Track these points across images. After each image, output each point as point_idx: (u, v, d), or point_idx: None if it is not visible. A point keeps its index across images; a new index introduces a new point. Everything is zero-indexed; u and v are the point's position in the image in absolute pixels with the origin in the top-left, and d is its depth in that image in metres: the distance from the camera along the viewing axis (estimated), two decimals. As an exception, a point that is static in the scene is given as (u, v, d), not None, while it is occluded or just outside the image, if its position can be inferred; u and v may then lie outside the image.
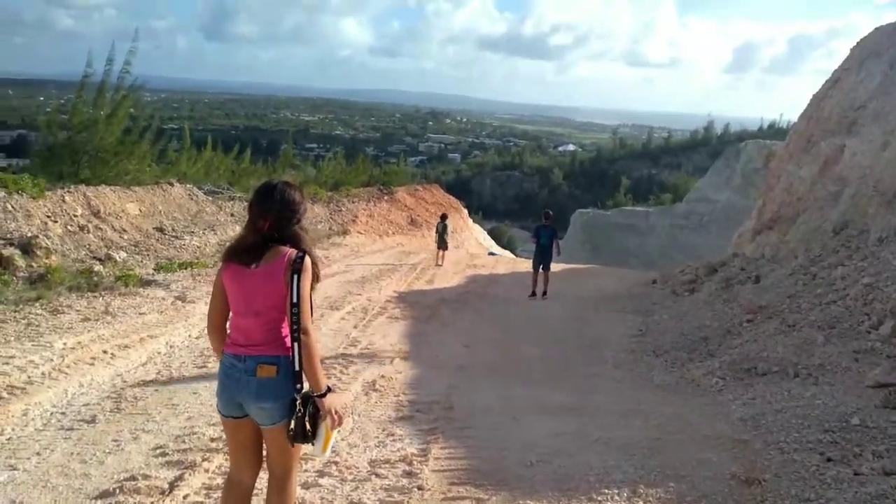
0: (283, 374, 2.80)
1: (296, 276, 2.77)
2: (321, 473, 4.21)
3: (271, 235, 2.84)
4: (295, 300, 2.76)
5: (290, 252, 2.82)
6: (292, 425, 2.75)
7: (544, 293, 12.46)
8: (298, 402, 2.74)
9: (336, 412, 2.78)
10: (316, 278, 2.91)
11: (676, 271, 14.21)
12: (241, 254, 2.87)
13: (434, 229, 16.72)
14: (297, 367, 2.76)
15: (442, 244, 15.97)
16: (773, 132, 78.77)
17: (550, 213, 13.42)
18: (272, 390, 2.80)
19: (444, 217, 16.97)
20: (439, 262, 15.65)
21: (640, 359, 8.25)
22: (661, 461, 4.35)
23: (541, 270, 12.51)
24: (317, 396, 2.76)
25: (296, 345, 2.75)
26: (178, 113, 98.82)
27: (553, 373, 7.43)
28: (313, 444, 2.80)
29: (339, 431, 2.87)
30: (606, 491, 3.93)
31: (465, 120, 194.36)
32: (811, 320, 7.98)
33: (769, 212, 14.34)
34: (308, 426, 2.75)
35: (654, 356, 8.33)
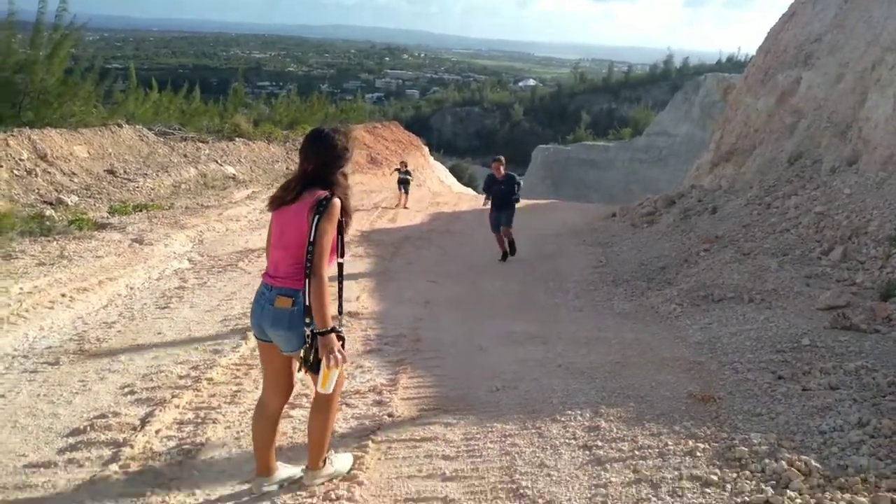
0: (298, 307, 2.99)
1: (317, 218, 2.92)
2: (292, 405, 4.26)
3: (314, 177, 3.03)
4: (312, 239, 2.92)
5: (320, 194, 2.98)
6: (301, 354, 3.01)
7: (511, 252, 10.33)
8: (307, 334, 2.96)
9: (337, 352, 2.93)
10: (344, 224, 3.09)
11: (636, 204, 14.42)
12: (284, 190, 3.09)
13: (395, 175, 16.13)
14: (307, 303, 2.94)
15: (404, 187, 15.54)
16: (732, 66, 79.05)
17: (502, 159, 10.25)
18: (286, 320, 3.02)
19: (404, 165, 16.05)
20: (404, 205, 15.21)
21: (600, 289, 8.45)
22: (622, 383, 4.52)
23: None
24: (318, 333, 2.93)
25: (307, 281, 2.93)
26: (122, 52, 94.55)
27: (517, 305, 7.57)
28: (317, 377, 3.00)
29: (336, 371, 2.99)
30: (569, 412, 4.07)
31: (423, 55, 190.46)
32: (765, 248, 8.24)
33: (726, 144, 14.54)
34: (312, 358, 2.98)
35: (615, 286, 8.54)
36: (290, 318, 3.00)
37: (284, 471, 3.36)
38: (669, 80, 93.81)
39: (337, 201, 2.98)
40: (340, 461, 3.47)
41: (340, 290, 3.27)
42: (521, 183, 10.44)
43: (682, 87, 58.51)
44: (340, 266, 3.22)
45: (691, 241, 9.90)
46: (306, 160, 3.06)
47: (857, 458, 3.26)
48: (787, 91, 12.76)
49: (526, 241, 11.53)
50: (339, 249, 3.13)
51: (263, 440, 3.26)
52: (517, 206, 10.09)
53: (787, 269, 7.25)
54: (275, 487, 3.30)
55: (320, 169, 3.03)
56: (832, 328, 5.45)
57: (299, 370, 3.14)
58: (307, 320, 2.95)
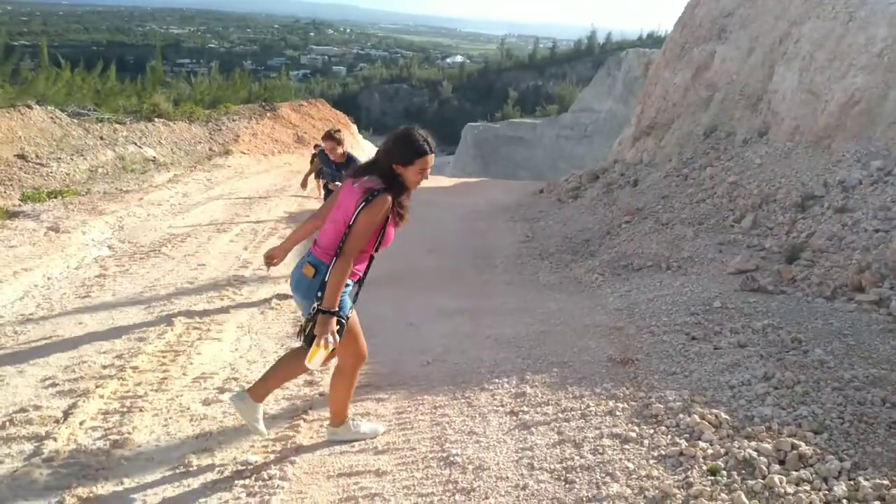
0: (318, 279, 3.15)
1: (362, 205, 3.04)
2: (221, 389, 4.25)
3: (379, 165, 3.16)
4: (350, 223, 3.07)
5: (374, 184, 3.09)
6: (302, 322, 3.19)
7: None
8: (314, 307, 3.09)
9: (329, 333, 3.02)
10: (398, 220, 3.20)
11: (562, 180, 14.74)
12: (356, 171, 3.30)
13: (310, 160, 11.63)
14: (324, 278, 3.08)
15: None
16: (653, 41, 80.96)
17: (341, 132, 7.57)
18: (304, 288, 3.21)
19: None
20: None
21: (527, 262, 8.65)
22: (546, 350, 4.69)
23: None
24: (321, 311, 3.04)
25: (334, 260, 3.08)
26: (29, 28, 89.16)
27: (447, 281, 7.68)
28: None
29: (325, 351, 3.06)
30: (497, 380, 4.22)
31: (348, 31, 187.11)
32: (682, 218, 8.61)
33: (647, 118, 14.98)
34: (308, 332, 3.12)
35: (541, 259, 8.76)
36: (308, 287, 3.17)
37: (365, 426, 3.66)
38: (593, 56, 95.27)
39: (387, 198, 3.05)
40: (368, 427, 3.68)
41: (362, 280, 3.34)
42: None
43: (605, 63, 59.63)
44: (371, 259, 3.31)
45: (614, 213, 10.22)
46: (382, 146, 3.23)
47: (763, 409, 3.51)
48: (702, 65, 13.22)
49: (457, 219, 11.65)
50: (377, 243, 3.20)
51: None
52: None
53: (702, 238, 7.61)
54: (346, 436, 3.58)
55: (384, 159, 3.13)
56: (742, 291, 5.78)
57: (297, 336, 3.27)
58: (319, 294, 3.07)
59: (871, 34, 8.50)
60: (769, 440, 3.21)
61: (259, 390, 3.46)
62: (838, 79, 8.75)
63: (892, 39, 7.99)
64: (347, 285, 3.15)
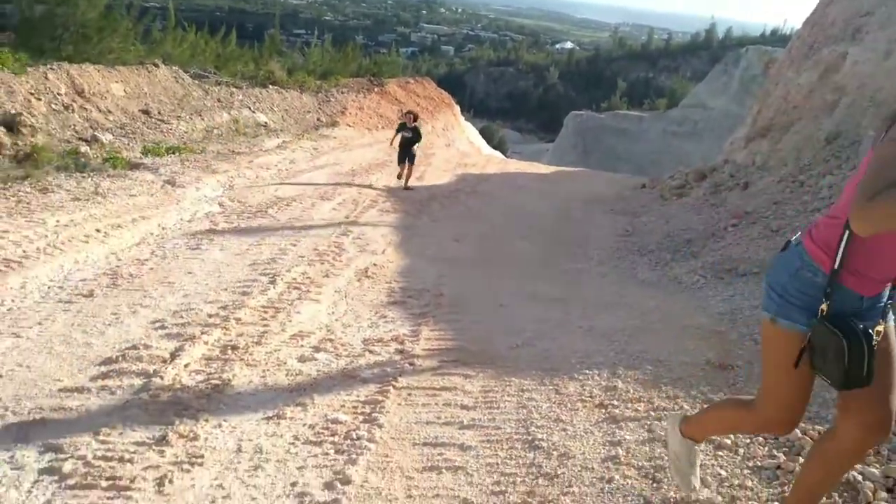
0: (819, 279, 2.17)
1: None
2: (317, 349, 4.39)
3: None
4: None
5: None
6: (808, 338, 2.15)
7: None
8: (822, 310, 2.12)
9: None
10: None
11: (666, 176, 14.27)
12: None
13: (396, 129, 12.08)
14: (836, 263, 2.08)
15: (406, 156, 11.51)
16: (776, 39, 76.80)
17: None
18: (792, 288, 2.28)
19: (411, 119, 11.70)
20: (405, 184, 11.54)
21: (625, 257, 8.45)
22: (641, 347, 4.57)
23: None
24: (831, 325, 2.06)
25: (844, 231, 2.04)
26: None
27: (540, 267, 7.61)
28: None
29: None
30: (588, 371, 4.15)
31: (460, 10, 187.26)
32: (795, 226, 8.13)
33: (764, 119, 14.24)
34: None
35: (639, 255, 8.53)
36: (800, 288, 2.20)
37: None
38: (710, 50, 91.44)
39: None
40: (689, 474, 2.83)
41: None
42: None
43: (723, 59, 56.99)
44: None
45: (720, 215, 9.81)
46: None
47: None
48: (830, 67, 12.41)
49: (553, 207, 11.51)
50: None
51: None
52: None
53: (816, 248, 7.18)
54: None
55: None
56: (856, 308, 5.43)
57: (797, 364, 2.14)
58: (826, 301, 2.08)
59: None
60: (877, 465, 3.01)
61: (694, 428, 2.74)
62: None
63: None
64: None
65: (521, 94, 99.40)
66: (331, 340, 4.46)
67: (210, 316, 4.88)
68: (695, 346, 4.59)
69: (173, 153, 10.75)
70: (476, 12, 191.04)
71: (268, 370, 4.06)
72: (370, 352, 4.38)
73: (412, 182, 11.76)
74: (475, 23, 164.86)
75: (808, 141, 11.52)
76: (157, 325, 4.68)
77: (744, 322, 5.13)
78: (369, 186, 11.12)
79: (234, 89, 15.74)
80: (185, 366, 4.05)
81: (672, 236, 9.34)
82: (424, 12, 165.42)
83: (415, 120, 11.71)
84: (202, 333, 4.50)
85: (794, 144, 11.92)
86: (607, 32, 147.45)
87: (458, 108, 29.02)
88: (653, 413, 3.57)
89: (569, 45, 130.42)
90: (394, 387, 3.89)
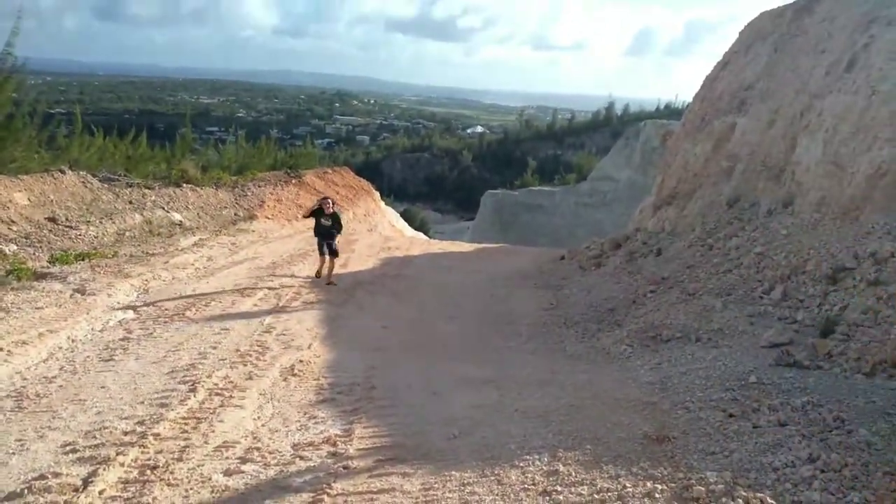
0: None
1: None
2: (243, 460, 4.14)
3: None
4: None
5: None
6: None
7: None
8: None
9: None
10: None
11: (583, 247, 14.69)
12: None
13: (314, 214, 10.99)
14: None
15: (327, 248, 10.76)
16: (670, 112, 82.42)
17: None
18: None
19: (329, 206, 10.90)
20: (328, 279, 10.69)
21: (552, 331, 8.53)
22: (578, 426, 4.54)
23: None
24: None
25: None
26: (66, 96, 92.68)
27: (470, 348, 7.57)
28: None
29: None
30: (527, 457, 4.06)
31: (372, 102, 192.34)
32: (709, 288, 8.47)
33: (667, 188, 15.02)
34: None
35: (566, 327, 8.63)
36: None
37: None
38: (611, 126, 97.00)
39: None
40: None
41: None
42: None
43: (624, 134, 60.57)
44: None
45: (638, 282, 10.11)
46: None
47: (810, 494, 3.34)
48: (722, 136, 13.33)
49: (478, 285, 11.59)
50: None
51: None
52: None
53: (731, 309, 7.46)
54: None
55: None
56: (777, 365, 5.61)
57: None
58: None
59: (894, 108, 8.52)
60: (820, 528, 3.04)
61: None
62: (864, 151, 8.73)
63: (917, 113, 7.99)
64: None
65: (437, 177, 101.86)
66: (258, 449, 4.23)
67: (126, 433, 4.56)
68: (629, 420, 4.60)
69: (83, 259, 10.28)
70: (388, 102, 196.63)
71: (191, 489, 3.79)
72: (301, 458, 4.16)
73: (336, 270, 11.57)
74: (388, 112, 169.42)
75: (711, 206, 12.19)
76: (68, 448, 4.33)
77: (674, 390, 5.20)
78: (292, 277, 10.92)
79: (146, 190, 15.37)
80: (100, 493, 3.74)
81: (595, 306, 9.53)
82: (338, 105, 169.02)
83: (332, 206, 10.99)
84: (117, 454, 4.18)
85: (699, 210, 12.58)
86: (514, 116, 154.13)
87: (377, 193, 29.32)
88: (597, 496, 3.50)
89: (479, 129, 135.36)
90: (328, 495, 3.69)
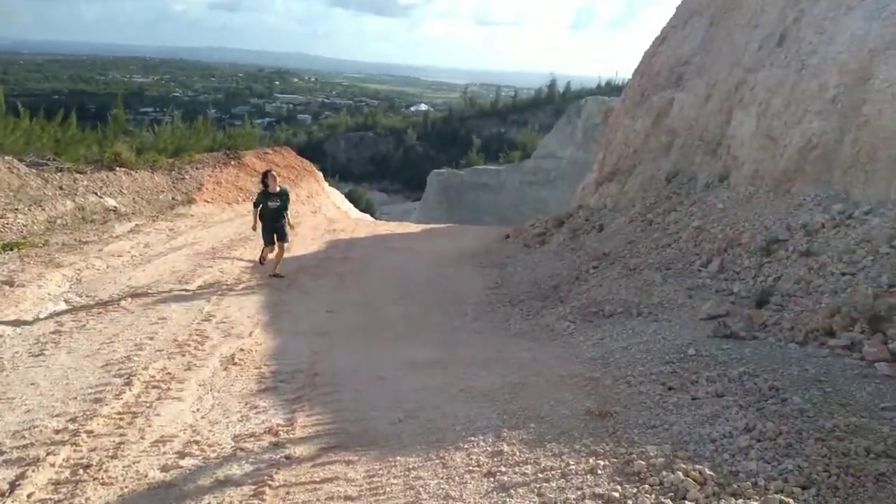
0: None
1: None
2: (181, 454, 4.02)
3: None
4: None
5: None
6: None
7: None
8: None
9: None
10: None
11: (527, 225, 14.80)
12: None
13: (254, 202, 10.19)
14: None
15: (276, 232, 9.91)
16: (611, 89, 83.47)
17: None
18: None
19: (274, 180, 10.04)
20: (273, 269, 9.94)
21: (497, 309, 8.57)
22: (522, 404, 4.56)
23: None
24: None
25: None
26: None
27: (417, 329, 7.53)
28: None
29: None
30: (472, 438, 4.06)
31: (313, 79, 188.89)
32: (650, 263, 8.64)
33: (609, 164, 15.22)
34: None
35: (511, 306, 8.68)
36: None
37: None
38: (554, 103, 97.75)
39: None
40: None
41: None
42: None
43: (566, 111, 61.15)
44: None
45: (581, 259, 10.24)
46: None
47: (747, 463, 3.42)
48: (661, 112, 13.54)
49: (424, 265, 11.55)
50: None
51: None
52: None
53: (671, 283, 7.62)
54: None
55: None
56: (714, 337, 5.76)
57: None
58: None
59: (823, 81, 8.77)
60: (756, 497, 3.12)
61: None
62: (795, 124, 8.98)
63: (843, 86, 8.25)
64: None
65: (382, 156, 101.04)
66: (197, 442, 4.11)
67: (57, 432, 4.37)
68: (573, 396, 4.65)
69: (11, 249, 9.80)
70: (329, 80, 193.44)
71: (126, 487, 3.66)
72: (242, 449, 4.07)
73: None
74: (330, 91, 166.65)
75: (650, 181, 12.40)
76: (-7, 451, 4.12)
77: (615, 365, 5.28)
78: (233, 262, 10.66)
79: (77, 175, 14.71)
80: (28, 496, 3.58)
81: (539, 284, 9.61)
82: (277, 83, 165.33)
83: (277, 182, 9.99)
84: (48, 454, 4.00)
85: (640, 185, 12.79)
86: (458, 93, 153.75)
87: (321, 174, 28.84)
88: (541, 475, 3.53)
89: (423, 106, 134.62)
90: (270, 487, 3.61)
